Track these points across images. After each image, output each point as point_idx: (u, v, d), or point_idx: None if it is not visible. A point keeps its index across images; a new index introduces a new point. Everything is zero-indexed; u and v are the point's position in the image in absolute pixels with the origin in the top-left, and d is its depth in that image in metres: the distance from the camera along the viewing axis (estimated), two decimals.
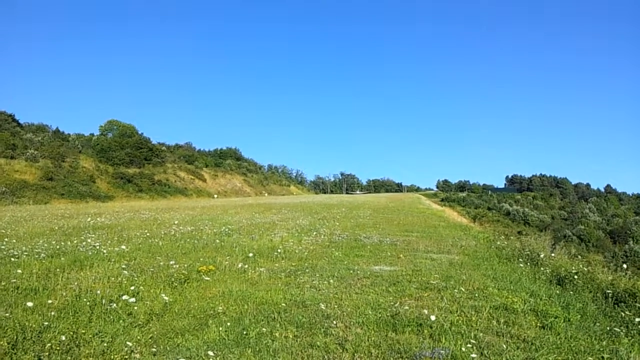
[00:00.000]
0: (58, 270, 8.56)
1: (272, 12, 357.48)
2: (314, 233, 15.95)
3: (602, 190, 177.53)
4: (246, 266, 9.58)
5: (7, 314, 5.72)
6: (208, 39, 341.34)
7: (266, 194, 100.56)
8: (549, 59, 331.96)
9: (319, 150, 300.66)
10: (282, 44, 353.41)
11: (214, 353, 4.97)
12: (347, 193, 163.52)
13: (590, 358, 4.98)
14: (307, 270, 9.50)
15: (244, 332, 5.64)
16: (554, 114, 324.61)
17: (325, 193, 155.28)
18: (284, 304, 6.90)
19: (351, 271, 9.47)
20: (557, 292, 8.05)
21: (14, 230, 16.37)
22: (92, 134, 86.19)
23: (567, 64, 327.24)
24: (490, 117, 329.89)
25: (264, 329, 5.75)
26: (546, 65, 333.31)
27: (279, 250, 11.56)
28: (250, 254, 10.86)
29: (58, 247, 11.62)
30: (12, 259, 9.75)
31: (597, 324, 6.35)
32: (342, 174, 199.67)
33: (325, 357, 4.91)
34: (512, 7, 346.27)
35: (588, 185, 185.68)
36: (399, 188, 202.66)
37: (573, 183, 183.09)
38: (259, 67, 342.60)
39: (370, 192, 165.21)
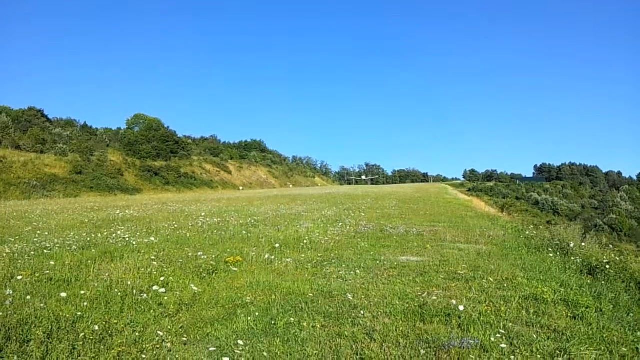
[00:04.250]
0: (89, 261, 8.73)
1: (295, 5, 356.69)
2: (340, 224, 15.95)
3: (635, 178, 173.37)
4: (273, 257, 9.64)
5: (42, 305, 5.86)
6: (233, 32, 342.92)
7: (291, 186, 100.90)
8: (579, 47, 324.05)
9: (343, 141, 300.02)
10: (306, 36, 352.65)
11: (243, 342, 5.02)
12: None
13: (624, 349, 4.88)
14: (333, 261, 9.51)
15: (272, 322, 5.68)
16: (584, 101, 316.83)
17: (350, 184, 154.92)
18: (311, 295, 6.92)
19: (378, 262, 9.45)
20: (588, 282, 7.91)
21: (46, 223, 16.76)
22: (120, 128, 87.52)
23: (593, 52, 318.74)
24: (518, 105, 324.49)
25: (291, 319, 5.79)
26: (574, 53, 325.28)
27: (305, 241, 11.59)
28: (277, 245, 10.92)
29: (89, 239, 11.85)
30: (45, 251, 9.98)
31: (631, 314, 6.22)
32: (367, 165, 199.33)
33: (354, 346, 4.91)
34: None
35: (619, 173, 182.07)
36: (424, 178, 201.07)
37: (604, 171, 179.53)
38: (283, 59, 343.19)
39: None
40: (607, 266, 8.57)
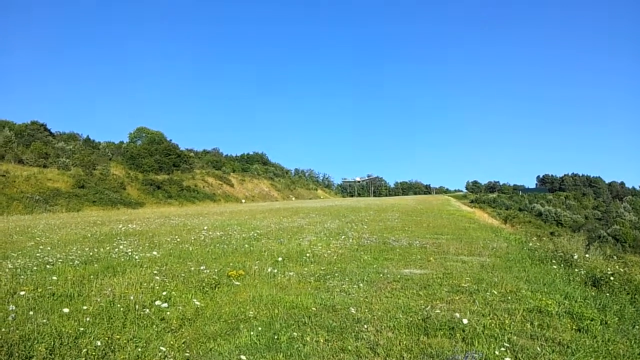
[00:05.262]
0: (92, 276, 8.72)
1: (297, 14, 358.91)
2: (342, 237, 15.93)
3: (638, 188, 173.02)
4: (275, 270, 9.62)
5: (44, 320, 5.85)
6: (234, 44, 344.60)
7: (293, 198, 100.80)
8: (580, 55, 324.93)
9: (346, 153, 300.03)
10: (307, 47, 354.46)
11: (246, 357, 5.00)
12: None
13: None
14: (336, 274, 9.49)
15: (275, 337, 5.65)
16: (586, 111, 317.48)
17: (352, 196, 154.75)
18: (314, 308, 6.90)
19: (381, 275, 9.41)
20: (593, 294, 7.87)
21: (49, 237, 16.76)
22: (122, 142, 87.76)
23: (595, 60, 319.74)
24: (521, 116, 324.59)
25: (295, 333, 5.76)
26: (576, 61, 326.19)
27: (307, 255, 11.57)
28: (279, 259, 10.90)
29: (91, 253, 11.84)
30: (48, 266, 9.98)
31: (636, 326, 6.17)
32: (369, 177, 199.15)
33: None
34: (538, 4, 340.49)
35: (622, 183, 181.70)
36: (427, 190, 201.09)
37: (607, 182, 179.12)
38: (285, 71, 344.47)
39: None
40: (612, 278, 8.52)
